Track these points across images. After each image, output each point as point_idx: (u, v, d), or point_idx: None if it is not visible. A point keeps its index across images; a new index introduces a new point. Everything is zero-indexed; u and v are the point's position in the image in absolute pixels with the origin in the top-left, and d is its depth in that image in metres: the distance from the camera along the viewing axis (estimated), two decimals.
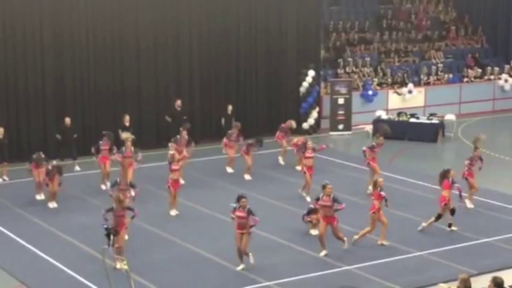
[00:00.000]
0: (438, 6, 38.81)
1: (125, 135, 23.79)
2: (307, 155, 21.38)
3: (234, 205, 15.96)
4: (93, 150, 22.68)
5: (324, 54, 32.83)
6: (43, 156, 21.39)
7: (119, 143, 23.12)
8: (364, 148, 22.04)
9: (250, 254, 16.12)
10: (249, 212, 15.88)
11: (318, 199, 17.11)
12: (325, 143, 25.45)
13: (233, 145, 24.08)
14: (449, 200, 18.42)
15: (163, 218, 19.63)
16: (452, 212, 18.43)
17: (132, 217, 16.61)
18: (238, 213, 15.93)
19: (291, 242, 17.76)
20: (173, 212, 19.93)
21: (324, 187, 17.06)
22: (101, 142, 22.32)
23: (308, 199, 20.45)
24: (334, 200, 16.88)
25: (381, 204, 17.45)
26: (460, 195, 19.02)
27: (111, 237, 13.95)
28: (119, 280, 13.48)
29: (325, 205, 16.90)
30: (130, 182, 19.21)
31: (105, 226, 13.66)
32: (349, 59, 33.35)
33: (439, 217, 18.43)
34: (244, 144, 23.69)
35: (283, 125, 25.57)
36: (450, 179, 18.48)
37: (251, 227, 15.96)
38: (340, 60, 33.30)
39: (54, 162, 22.26)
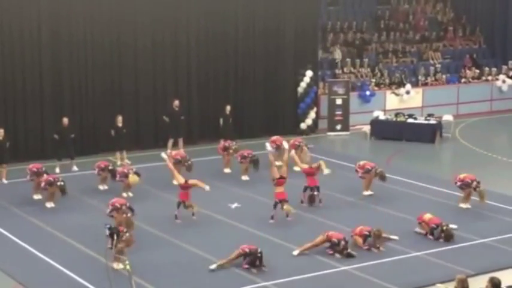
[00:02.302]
0: (436, 6, 38.84)
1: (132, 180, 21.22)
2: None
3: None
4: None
5: (321, 55, 32.85)
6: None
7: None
8: (361, 174, 21.31)
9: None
10: None
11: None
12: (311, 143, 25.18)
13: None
14: None
15: (161, 218, 19.57)
16: None
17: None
18: None
19: (288, 242, 17.74)
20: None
21: None
22: None
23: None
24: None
25: None
26: None
27: (115, 237, 13.83)
28: (119, 281, 13.45)
29: None
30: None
31: (108, 226, 13.54)
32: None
33: None
34: (240, 155, 23.46)
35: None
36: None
37: None
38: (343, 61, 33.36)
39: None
